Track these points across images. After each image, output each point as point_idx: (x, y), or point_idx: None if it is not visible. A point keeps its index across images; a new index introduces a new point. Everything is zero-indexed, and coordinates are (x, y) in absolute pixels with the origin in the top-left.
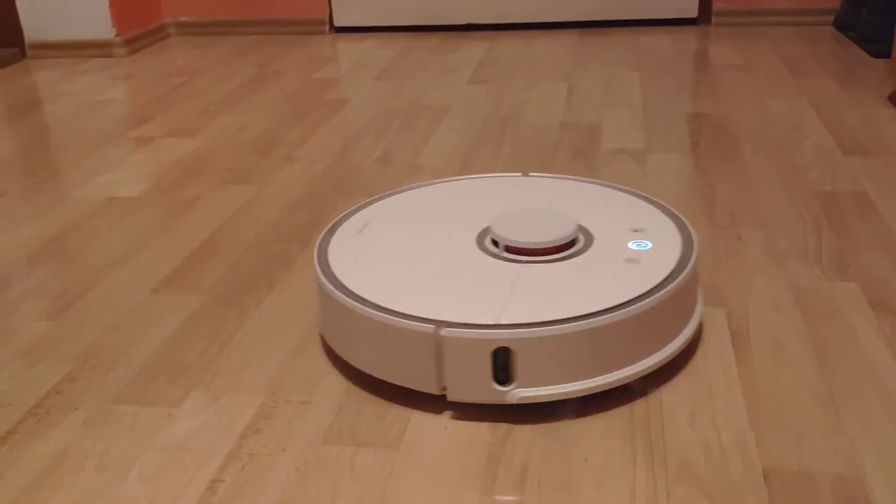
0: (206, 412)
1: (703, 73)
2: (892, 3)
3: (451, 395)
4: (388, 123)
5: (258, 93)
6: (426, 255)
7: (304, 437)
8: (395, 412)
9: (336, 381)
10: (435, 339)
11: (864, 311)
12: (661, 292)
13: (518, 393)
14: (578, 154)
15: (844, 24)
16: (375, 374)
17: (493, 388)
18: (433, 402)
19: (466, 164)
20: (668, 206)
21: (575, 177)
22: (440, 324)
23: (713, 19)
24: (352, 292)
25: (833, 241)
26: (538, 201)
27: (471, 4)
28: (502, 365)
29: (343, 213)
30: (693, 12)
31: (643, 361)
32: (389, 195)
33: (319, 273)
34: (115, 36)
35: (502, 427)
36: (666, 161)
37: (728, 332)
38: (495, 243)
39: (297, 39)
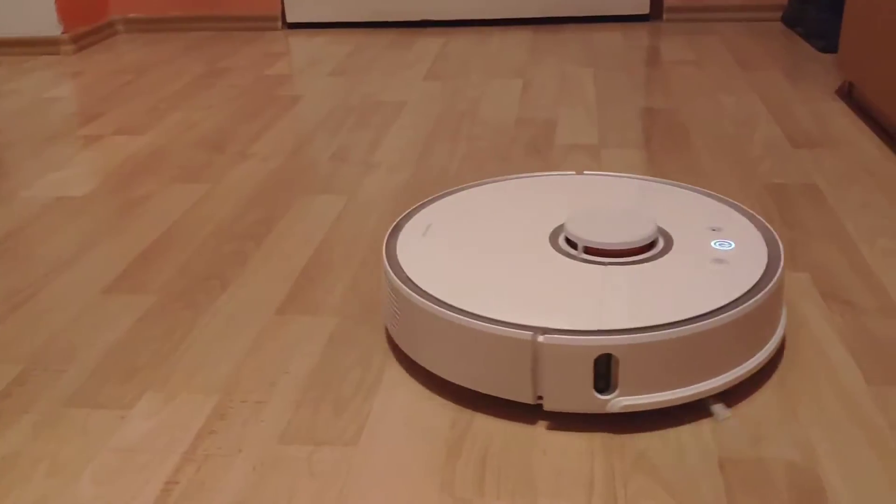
0: (161, 413)
1: (655, 69)
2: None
3: (548, 405)
4: (342, 120)
5: (209, 90)
6: (501, 258)
7: (260, 437)
8: (354, 409)
9: (293, 380)
10: (532, 346)
11: (816, 301)
12: (761, 294)
13: (620, 402)
14: (534, 149)
15: (792, 19)
16: (466, 385)
17: (593, 398)
18: (393, 399)
19: (422, 161)
20: (738, 203)
21: (630, 174)
22: (537, 330)
23: (665, 16)
24: (437, 298)
25: (784, 232)
26: (602, 200)
27: (427, 1)
28: (602, 373)
29: (401, 216)
30: (645, 9)
31: (742, 366)
32: (444, 195)
33: (394, 277)
34: (62, 33)
35: (461, 420)
36: (620, 155)
37: None
38: (573, 244)
39: (249, 36)
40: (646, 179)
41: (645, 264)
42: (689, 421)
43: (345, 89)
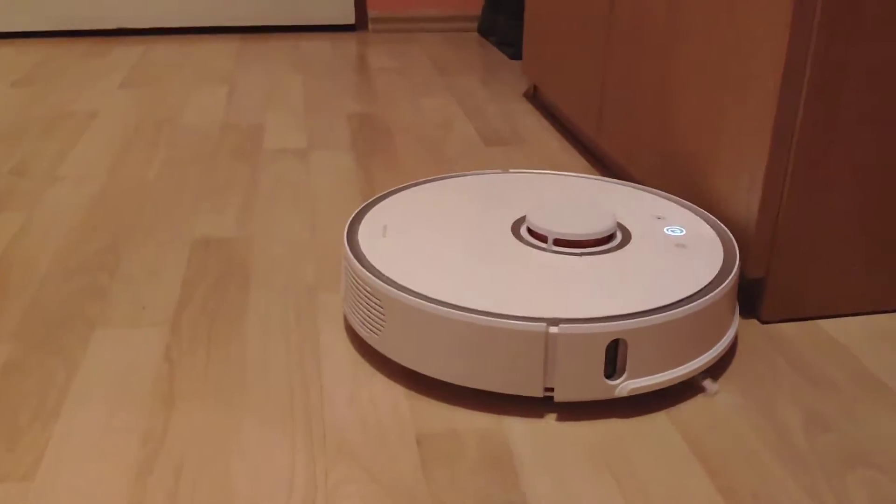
0: None
1: (361, 76)
2: (524, 10)
3: (559, 396)
4: (23, 132)
5: None
6: (476, 254)
7: None
8: (30, 440)
9: None
10: (545, 337)
11: None
12: (735, 268)
13: (628, 385)
14: (241, 154)
15: (486, 29)
16: (466, 384)
17: (604, 384)
18: (76, 423)
19: (116, 171)
20: (656, 190)
21: (556, 171)
22: (549, 321)
23: (370, 26)
24: (436, 299)
25: None
26: (538, 194)
27: (123, 8)
28: (610, 358)
29: (350, 219)
30: (350, 19)
31: (725, 338)
32: (380, 199)
33: (378, 282)
34: None
35: (156, 431)
36: (327, 157)
37: None
38: (540, 237)
39: None
40: (575, 176)
41: (617, 252)
42: (386, 403)
43: (29, 100)
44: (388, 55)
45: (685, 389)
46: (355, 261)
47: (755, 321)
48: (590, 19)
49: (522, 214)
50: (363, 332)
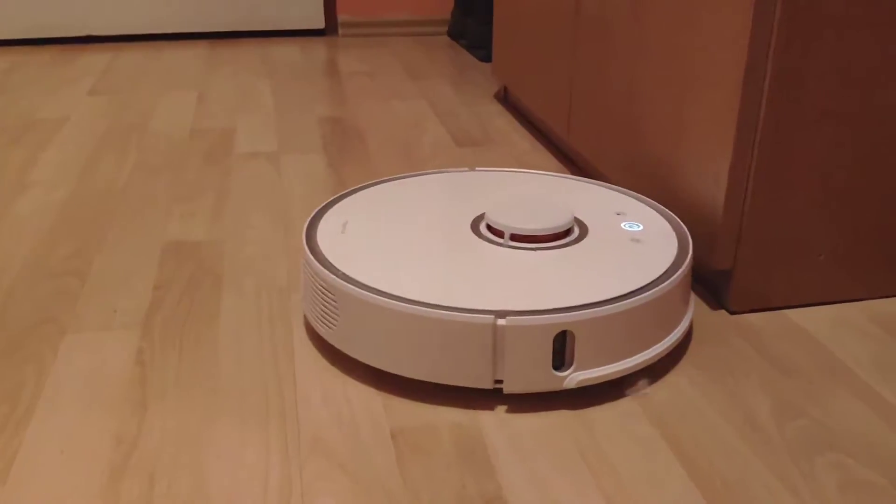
0: None
1: (332, 80)
2: (493, 13)
3: (508, 388)
4: None
5: None
6: (433, 249)
7: None
8: (1, 446)
9: None
10: (493, 329)
11: None
12: (687, 261)
13: (576, 377)
14: (212, 159)
15: (456, 33)
16: (417, 377)
17: (552, 376)
18: (47, 428)
19: (85, 176)
20: (620, 187)
21: (522, 169)
22: (497, 313)
23: (340, 31)
24: (388, 293)
25: None
26: (503, 191)
27: (89, 15)
28: (558, 350)
29: (311, 216)
30: (320, 23)
31: (677, 330)
32: (344, 196)
33: (333, 277)
34: None
35: (128, 436)
36: (299, 160)
37: None
38: (497, 233)
39: None
40: (541, 174)
41: (572, 247)
42: (360, 400)
43: None
44: (359, 59)
45: (654, 380)
46: (311, 256)
47: (724, 312)
48: (557, 21)
49: (483, 211)
50: (320, 328)
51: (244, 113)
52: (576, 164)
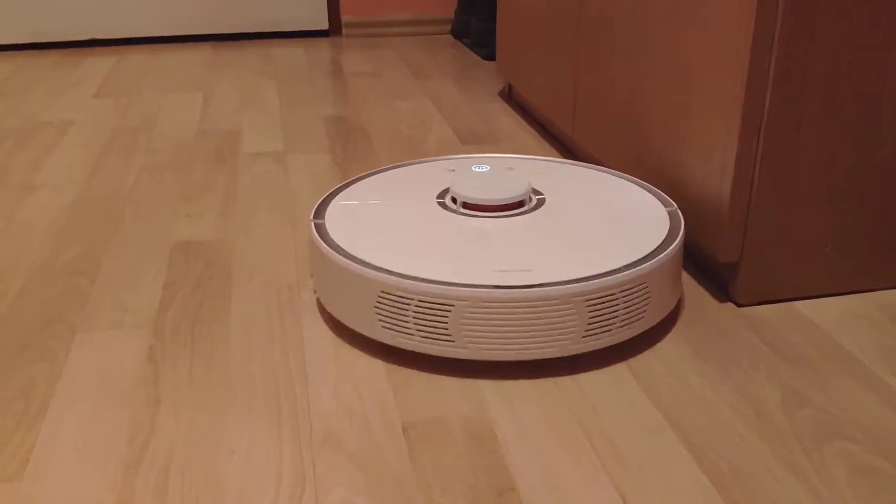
0: None
1: (336, 80)
2: (496, 12)
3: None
4: None
5: None
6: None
7: None
8: (16, 443)
9: None
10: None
11: None
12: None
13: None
14: (218, 159)
15: (459, 31)
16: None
17: None
18: (62, 425)
19: (93, 178)
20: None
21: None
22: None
23: (343, 31)
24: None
25: None
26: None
27: (92, 19)
28: None
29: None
30: (324, 24)
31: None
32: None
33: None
34: None
35: (142, 432)
36: (305, 160)
37: None
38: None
39: None
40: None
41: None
42: (371, 395)
43: (1, 112)
44: (363, 59)
45: (662, 372)
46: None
47: (731, 304)
48: (561, 17)
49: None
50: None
51: (249, 113)
52: (581, 159)
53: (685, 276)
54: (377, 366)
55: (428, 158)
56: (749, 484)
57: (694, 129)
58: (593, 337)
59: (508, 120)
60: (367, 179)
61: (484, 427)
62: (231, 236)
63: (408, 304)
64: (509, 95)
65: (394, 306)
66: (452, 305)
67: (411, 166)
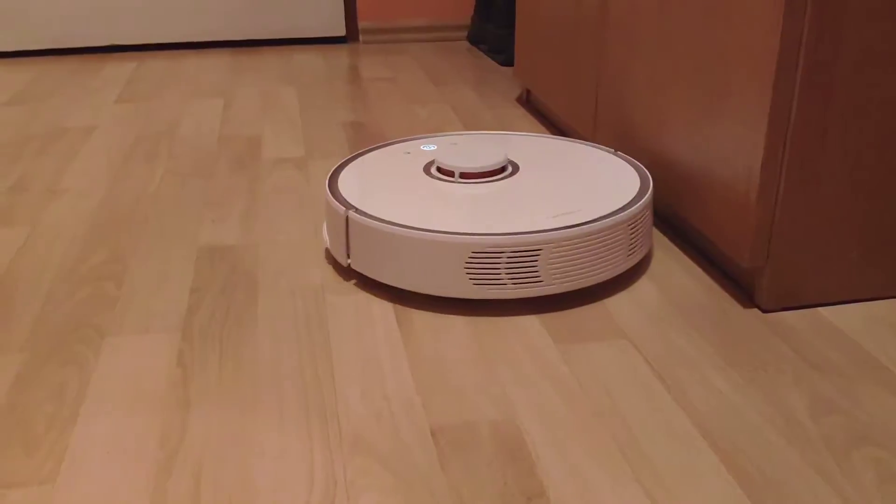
0: None
1: (354, 86)
2: (513, 18)
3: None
4: (21, 149)
5: None
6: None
7: None
8: (48, 446)
9: None
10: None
11: None
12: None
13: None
14: (240, 165)
15: (476, 37)
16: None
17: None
18: (93, 429)
19: (116, 184)
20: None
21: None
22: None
23: (361, 37)
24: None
25: None
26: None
27: (112, 25)
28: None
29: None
30: (341, 31)
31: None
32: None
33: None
34: None
35: (173, 435)
36: (326, 166)
37: (392, 310)
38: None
39: None
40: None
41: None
42: (399, 399)
43: (24, 118)
44: (381, 65)
45: (690, 377)
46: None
47: (756, 310)
48: (581, 23)
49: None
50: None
51: (270, 119)
52: None
53: (710, 281)
54: (404, 370)
55: (382, 143)
56: (780, 490)
57: (719, 135)
58: (632, 257)
59: (526, 125)
60: (343, 171)
61: (513, 432)
62: (255, 241)
63: (499, 257)
64: (528, 101)
65: (485, 262)
66: (541, 249)
67: (372, 152)
